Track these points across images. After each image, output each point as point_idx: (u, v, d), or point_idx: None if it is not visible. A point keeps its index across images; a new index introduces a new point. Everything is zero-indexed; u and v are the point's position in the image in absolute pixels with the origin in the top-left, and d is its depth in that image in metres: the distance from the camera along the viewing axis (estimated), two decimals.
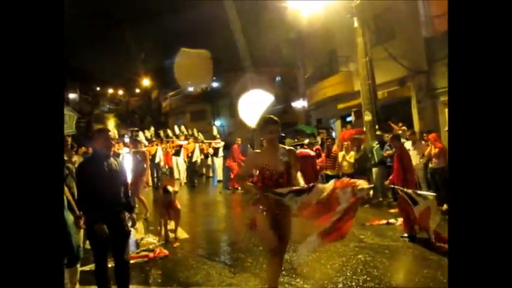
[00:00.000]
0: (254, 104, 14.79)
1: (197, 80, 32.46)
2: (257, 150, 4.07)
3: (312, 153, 11.11)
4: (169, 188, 7.44)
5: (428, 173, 9.14)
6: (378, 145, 10.22)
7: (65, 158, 5.52)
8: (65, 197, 4.54)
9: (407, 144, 9.64)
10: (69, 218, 4.56)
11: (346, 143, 11.43)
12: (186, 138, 16.74)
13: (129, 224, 4.46)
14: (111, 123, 41.72)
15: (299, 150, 10.22)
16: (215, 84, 34.83)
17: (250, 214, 3.97)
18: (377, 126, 11.26)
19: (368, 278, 4.83)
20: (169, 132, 18.26)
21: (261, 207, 3.75)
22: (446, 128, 11.23)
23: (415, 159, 9.35)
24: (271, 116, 3.91)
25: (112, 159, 4.22)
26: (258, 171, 3.85)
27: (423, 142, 9.73)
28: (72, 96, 39.18)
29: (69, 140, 6.22)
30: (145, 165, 9.96)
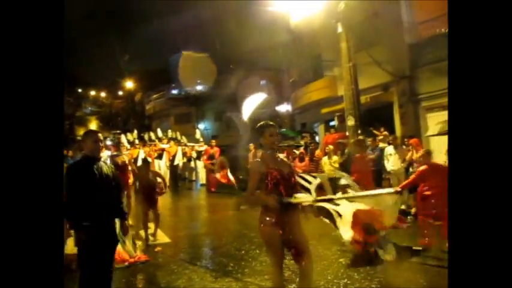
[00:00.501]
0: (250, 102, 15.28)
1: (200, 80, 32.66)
2: (257, 159, 3.87)
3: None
4: (149, 159, 7.47)
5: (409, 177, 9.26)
6: None
7: None
8: None
9: (389, 149, 9.77)
10: None
11: (329, 147, 11.51)
12: (168, 142, 16.66)
13: (121, 231, 4.35)
14: (93, 126, 41.38)
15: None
16: (200, 87, 34.80)
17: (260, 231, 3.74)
18: (360, 131, 11.37)
19: (349, 282, 4.88)
20: (152, 135, 18.12)
21: (268, 218, 3.60)
22: (428, 133, 11.42)
23: (397, 163, 9.48)
24: (267, 120, 3.90)
25: (102, 163, 4.09)
26: (265, 178, 3.65)
27: (404, 147, 9.86)
28: None
29: None
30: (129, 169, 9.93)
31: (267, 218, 3.60)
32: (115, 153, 9.82)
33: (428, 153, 6.62)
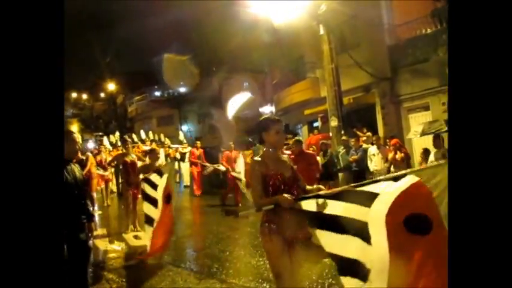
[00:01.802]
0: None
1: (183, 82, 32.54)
2: (258, 158, 3.33)
3: None
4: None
5: None
6: (344, 150, 10.39)
7: None
8: None
9: (373, 149, 9.84)
10: None
11: (312, 148, 11.56)
12: (151, 144, 16.56)
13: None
14: (74, 128, 40.76)
15: None
16: (182, 89, 34.66)
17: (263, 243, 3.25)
18: (343, 132, 11.45)
19: (333, 282, 4.86)
20: (134, 137, 17.97)
21: (273, 226, 3.11)
22: (410, 135, 11.55)
23: (380, 163, 9.56)
24: (271, 116, 3.56)
25: (73, 166, 3.91)
26: (266, 180, 3.17)
27: (387, 147, 9.95)
28: None
29: None
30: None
31: (272, 226, 3.13)
32: (122, 152, 9.63)
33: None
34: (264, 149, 3.37)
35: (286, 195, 2.99)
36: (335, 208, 2.87)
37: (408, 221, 2.60)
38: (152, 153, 7.43)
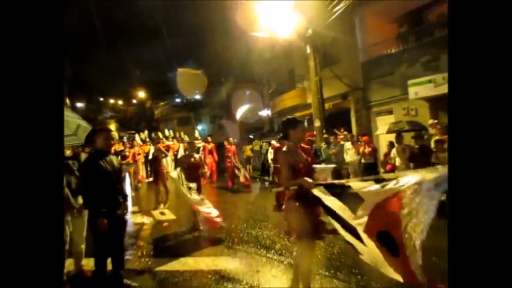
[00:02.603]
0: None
1: (195, 90, 32.56)
2: (285, 149, 3.32)
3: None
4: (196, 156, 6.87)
5: (361, 167, 9.38)
6: (325, 145, 10.42)
7: (69, 155, 5.18)
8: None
9: (348, 145, 9.88)
10: None
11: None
12: (172, 140, 16.68)
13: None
14: (112, 127, 40.81)
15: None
16: (198, 96, 34.71)
17: (286, 215, 3.25)
18: (324, 131, 11.49)
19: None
20: (160, 134, 18.02)
21: (297, 204, 3.11)
22: (377, 132, 11.60)
23: (353, 156, 9.60)
24: (296, 117, 3.44)
25: (112, 157, 3.90)
26: (293, 167, 3.16)
27: (359, 143, 9.99)
28: (79, 105, 39.08)
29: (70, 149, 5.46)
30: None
31: (296, 204, 3.13)
32: (162, 147, 9.73)
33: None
34: (289, 144, 3.34)
35: (308, 179, 2.99)
36: (333, 203, 2.82)
37: (380, 236, 2.48)
38: (191, 145, 7.40)
